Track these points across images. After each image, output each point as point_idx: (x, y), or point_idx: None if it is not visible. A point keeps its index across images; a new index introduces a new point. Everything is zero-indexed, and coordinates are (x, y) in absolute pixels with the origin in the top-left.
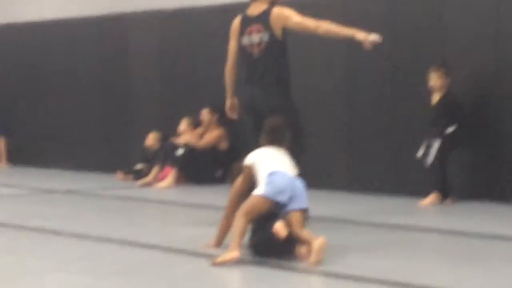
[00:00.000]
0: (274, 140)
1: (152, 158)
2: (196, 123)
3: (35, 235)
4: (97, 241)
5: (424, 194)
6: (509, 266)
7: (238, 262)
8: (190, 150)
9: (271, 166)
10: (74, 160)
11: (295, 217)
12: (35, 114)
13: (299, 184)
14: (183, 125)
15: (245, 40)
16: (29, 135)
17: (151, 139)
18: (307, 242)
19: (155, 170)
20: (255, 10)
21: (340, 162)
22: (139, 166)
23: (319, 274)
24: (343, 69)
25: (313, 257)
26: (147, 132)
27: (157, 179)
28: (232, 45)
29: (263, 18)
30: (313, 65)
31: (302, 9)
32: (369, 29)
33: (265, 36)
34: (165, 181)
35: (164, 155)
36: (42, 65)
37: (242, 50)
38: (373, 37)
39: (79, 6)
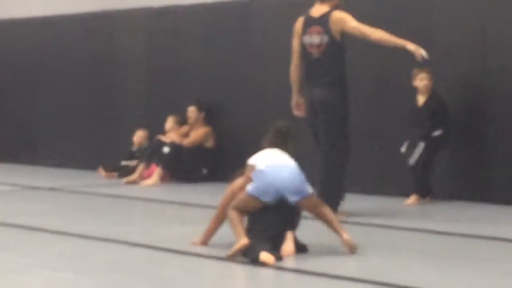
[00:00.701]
0: (278, 143)
1: (139, 156)
2: (182, 121)
3: (19, 232)
4: (82, 239)
5: (409, 194)
6: (494, 266)
7: (226, 260)
8: (176, 148)
9: (262, 165)
10: (59, 157)
11: (306, 205)
12: (20, 111)
13: (289, 178)
14: (169, 123)
15: (306, 39)
16: (14, 132)
17: (139, 137)
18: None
19: (140, 167)
20: (317, 11)
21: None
22: (124, 162)
23: (307, 273)
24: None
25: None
26: (133, 130)
27: (143, 176)
28: (296, 44)
29: (323, 21)
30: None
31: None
32: None
33: (324, 38)
34: (151, 179)
35: (150, 152)
36: (28, 62)
37: (303, 49)
38: (423, 52)
39: (65, 3)
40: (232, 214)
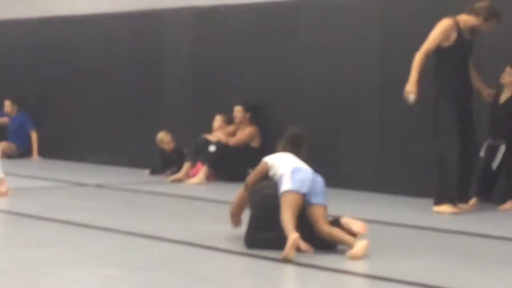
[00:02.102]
0: (291, 149)
1: (178, 158)
2: (229, 120)
3: (65, 228)
4: (126, 235)
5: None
6: None
7: (265, 258)
8: (223, 147)
9: (293, 164)
10: (106, 154)
11: (319, 212)
12: (68, 109)
13: (320, 181)
14: (217, 121)
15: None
16: (61, 129)
17: (169, 142)
18: (350, 244)
19: (186, 166)
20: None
21: (371, 162)
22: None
23: (342, 273)
24: (377, 67)
25: (355, 250)
26: (179, 129)
27: (189, 175)
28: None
29: None
30: (345, 62)
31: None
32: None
33: None
34: (197, 177)
35: (196, 151)
36: (75, 60)
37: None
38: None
39: (112, 1)
40: (285, 214)
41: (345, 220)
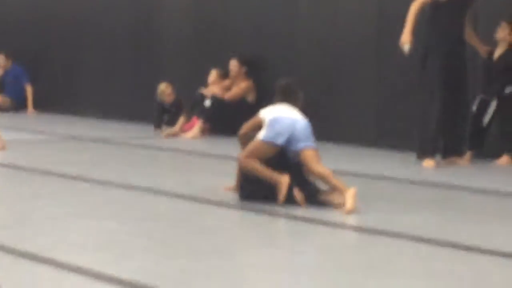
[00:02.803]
0: (286, 99)
1: (175, 110)
2: (225, 75)
3: (61, 181)
4: (123, 189)
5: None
6: None
7: (262, 211)
8: (218, 101)
9: (275, 114)
10: (102, 108)
11: (308, 154)
12: (65, 62)
13: (302, 125)
14: (213, 75)
15: None
16: (58, 83)
17: (170, 93)
18: (339, 190)
19: (181, 120)
20: None
21: (368, 117)
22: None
23: (349, 228)
24: (375, 19)
25: (348, 206)
26: (177, 82)
27: (184, 129)
28: None
29: None
30: (342, 17)
31: None
32: None
33: None
34: (192, 132)
35: (191, 105)
36: (72, 13)
37: None
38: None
39: None
40: (251, 162)
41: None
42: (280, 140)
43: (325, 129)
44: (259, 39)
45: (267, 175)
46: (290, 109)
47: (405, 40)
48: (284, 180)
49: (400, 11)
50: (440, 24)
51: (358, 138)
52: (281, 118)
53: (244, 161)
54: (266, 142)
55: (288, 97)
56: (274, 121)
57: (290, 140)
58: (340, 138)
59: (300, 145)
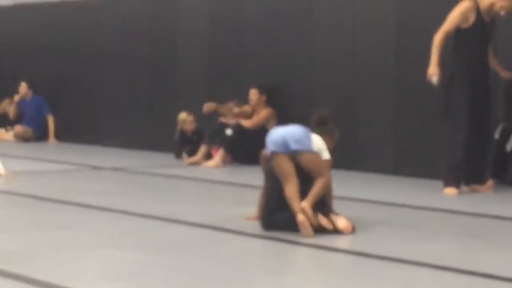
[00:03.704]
0: (315, 129)
1: (197, 139)
2: (241, 104)
3: (83, 211)
4: (145, 218)
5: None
6: None
7: (284, 240)
8: (239, 130)
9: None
10: (122, 137)
11: (307, 160)
12: (84, 91)
13: (295, 129)
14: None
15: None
16: (78, 112)
17: (191, 122)
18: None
19: (203, 149)
20: None
21: (387, 145)
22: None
23: (369, 257)
24: (394, 47)
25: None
26: (195, 111)
27: (205, 158)
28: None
29: None
30: (361, 43)
31: None
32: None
33: None
34: (213, 161)
35: (212, 134)
36: (91, 43)
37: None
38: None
39: None
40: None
41: (332, 216)
42: (271, 146)
43: (344, 156)
44: (277, 67)
45: (292, 203)
46: (316, 138)
47: (433, 72)
48: (300, 218)
49: (419, 38)
50: (464, 51)
51: (377, 165)
52: (274, 129)
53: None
54: (264, 150)
55: (317, 127)
56: (268, 135)
57: (284, 143)
58: (359, 166)
59: (295, 146)
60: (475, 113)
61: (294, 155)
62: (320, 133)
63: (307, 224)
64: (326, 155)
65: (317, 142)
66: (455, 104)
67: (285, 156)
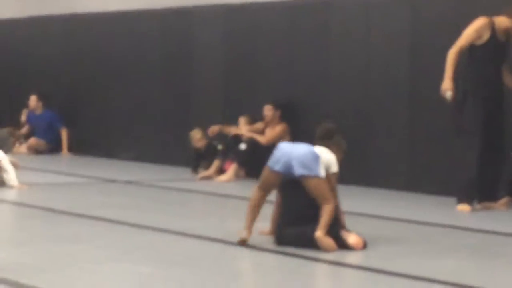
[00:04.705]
0: (321, 142)
1: (210, 154)
2: (253, 121)
3: (96, 224)
4: (157, 232)
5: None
6: None
7: (297, 255)
8: (253, 145)
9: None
10: (135, 151)
11: (314, 186)
12: (98, 105)
13: (303, 151)
14: (241, 123)
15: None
16: (91, 126)
17: (201, 139)
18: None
19: (216, 163)
20: None
21: (400, 161)
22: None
23: (383, 273)
24: (407, 66)
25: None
26: (209, 126)
27: (218, 172)
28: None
29: None
30: (375, 60)
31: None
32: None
33: None
34: (226, 175)
35: (226, 148)
36: (105, 57)
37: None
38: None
39: None
40: (253, 196)
41: (343, 232)
42: (277, 167)
43: (358, 172)
44: (292, 83)
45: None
46: (325, 151)
47: (447, 87)
48: (318, 235)
49: (433, 55)
50: (477, 68)
51: (390, 181)
52: (283, 146)
53: (253, 192)
54: (266, 167)
55: (325, 141)
56: (276, 150)
57: (290, 166)
58: (372, 182)
59: (300, 171)
60: (488, 130)
61: (299, 180)
62: (328, 146)
63: (325, 238)
64: (334, 168)
65: (325, 157)
66: (468, 121)
67: (320, 179)
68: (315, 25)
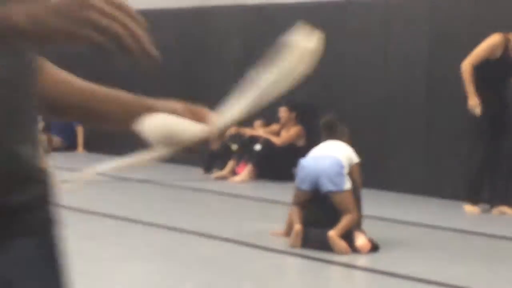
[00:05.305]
0: (328, 135)
1: (223, 154)
2: (267, 124)
3: (110, 222)
4: (172, 231)
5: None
6: None
7: (310, 257)
8: (269, 146)
9: (304, 160)
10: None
11: (340, 201)
12: None
13: (328, 166)
14: (257, 125)
15: None
16: None
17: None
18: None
19: (231, 163)
20: None
21: (417, 165)
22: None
23: (397, 277)
24: (425, 69)
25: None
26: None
27: (233, 173)
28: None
29: None
30: (393, 63)
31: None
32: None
33: None
34: (241, 176)
35: (241, 149)
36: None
37: None
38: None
39: None
40: (293, 212)
41: (356, 233)
42: (305, 186)
43: (374, 176)
44: (307, 85)
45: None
46: (335, 144)
47: (474, 104)
48: (331, 234)
49: (452, 58)
50: (488, 84)
51: (406, 185)
52: (307, 164)
53: (291, 209)
54: (295, 188)
55: (332, 133)
56: (300, 168)
57: (317, 182)
58: (389, 186)
59: (329, 187)
60: (495, 133)
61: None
62: (337, 138)
63: (338, 240)
64: (355, 158)
65: (344, 153)
66: (475, 124)
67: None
68: (331, 26)
